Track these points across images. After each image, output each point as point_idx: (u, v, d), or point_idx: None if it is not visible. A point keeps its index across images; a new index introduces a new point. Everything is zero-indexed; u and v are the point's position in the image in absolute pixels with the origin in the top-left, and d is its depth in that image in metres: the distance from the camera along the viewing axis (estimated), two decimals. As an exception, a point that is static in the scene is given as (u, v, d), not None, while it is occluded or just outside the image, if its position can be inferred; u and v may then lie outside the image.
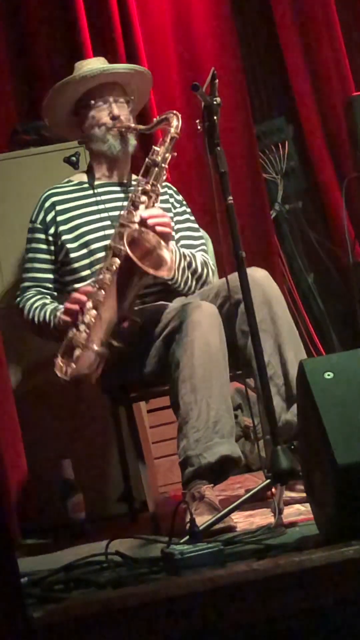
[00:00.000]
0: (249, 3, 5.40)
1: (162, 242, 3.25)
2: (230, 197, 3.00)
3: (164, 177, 3.44)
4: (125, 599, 2.23)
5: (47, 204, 3.55)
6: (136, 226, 3.27)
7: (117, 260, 3.25)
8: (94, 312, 3.23)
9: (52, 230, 3.52)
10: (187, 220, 3.65)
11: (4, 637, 2.08)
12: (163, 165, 3.38)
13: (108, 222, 3.48)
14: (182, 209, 3.66)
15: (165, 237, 3.29)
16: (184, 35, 4.99)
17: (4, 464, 3.30)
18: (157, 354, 3.23)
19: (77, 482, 3.57)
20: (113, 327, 3.21)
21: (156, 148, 3.39)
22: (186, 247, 3.52)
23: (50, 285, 3.54)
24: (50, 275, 3.54)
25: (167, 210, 3.54)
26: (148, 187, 3.37)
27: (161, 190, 3.47)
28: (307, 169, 5.27)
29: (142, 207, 3.34)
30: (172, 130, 3.38)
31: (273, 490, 2.91)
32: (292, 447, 2.88)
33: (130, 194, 3.42)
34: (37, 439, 3.81)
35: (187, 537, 2.67)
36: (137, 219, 3.30)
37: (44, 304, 3.46)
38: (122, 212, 3.37)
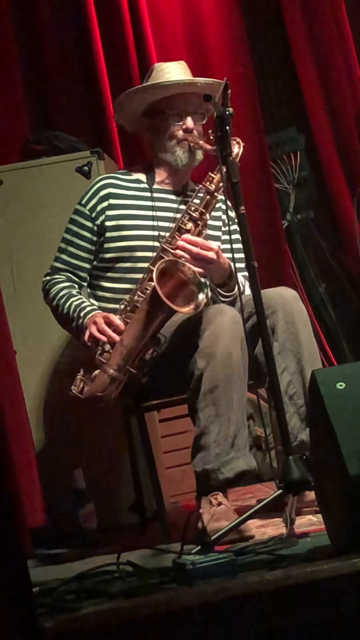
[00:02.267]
0: (261, 13, 5.41)
1: (198, 277, 3.19)
2: (243, 207, 3.00)
3: (215, 206, 3.37)
4: (137, 609, 2.22)
5: (102, 192, 3.47)
6: (173, 256, 3.21)
7: (152, 284, 3.19)
8: (117, 336, 3.22)
9: (99, 221, 3.45)
10: (237, 240, 3.58)
11: (16, 647, 2.08)
12: (216, 194, 3.32)
13: (157, 233, 3.41)
14: (234, 227, 3.51)
15: (201, 266, 3.24)
16: (196, 46, 5.00)
17: (15, 474, 3.30)
18: (177, 360, 3.21)
19: (88, 492, 3.57)
20: (133, 354, 3.19)
21: (212, 175, 3.32)
22: None
23: (81, 274, 3.47)
24: (85, 264, 3.47)
25: (217, 225, 3.49)
26: (196, 214, 3.31)
27: (217, 205, 3.44)
28: (319, 179, 5.27)
29: (186, 235, 3.28)
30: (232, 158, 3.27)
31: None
32: (304, 457, 2.88)
33: (179, 216, 3.35)
34: (48, 449, 3.81)
35: (199, 547, 2.68)
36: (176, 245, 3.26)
37: (70, 295, 3.40)
38: (166, 236, 3.32)
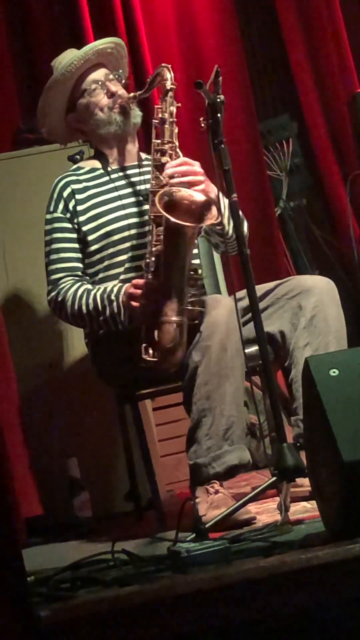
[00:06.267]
0: (253, 0, 5.40)
1: (197, 192, 3.16)
2: (235, 195, 3.00)
3: (177, 130, 3.35)
4: (132, 597, 2.23)
5: (66, 193, 3.46)
6: (166, 188, 3.18)
7: (162, 229, 3.17)
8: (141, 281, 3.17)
9: (76, 220, 3.43)
10: None
11: (11, 636, 2.08)
12: (171, 119, 3.32)
13: (127, 211, 3.40)
14: None
15: (197, 184, 3.22)
16: (188, 33, 4.99)
17: (8, 463, 3.30)
18: None
19: (83, 481, 3.58)
20: (181, 292, 3.11)
21: (158, 107, 3.33)
22: None
23: (81, 274, 3.41)
24: (80, 264, 3.42)
25: None
26: (165, 146, 3.30)
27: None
28: (312, 166, 5.26)
29: (169, 163, 3.26)
30: (168, 83, 3.31)
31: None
32: (298, 444, 2.88)
33: (149, 163, 3.35)
34: (42, 438, 3.81)
35: (193, 535, 2.68)
36: (165, 180, 3.23)
37: (88, 290, 3.31)
38: (151, 182, 3.30)
